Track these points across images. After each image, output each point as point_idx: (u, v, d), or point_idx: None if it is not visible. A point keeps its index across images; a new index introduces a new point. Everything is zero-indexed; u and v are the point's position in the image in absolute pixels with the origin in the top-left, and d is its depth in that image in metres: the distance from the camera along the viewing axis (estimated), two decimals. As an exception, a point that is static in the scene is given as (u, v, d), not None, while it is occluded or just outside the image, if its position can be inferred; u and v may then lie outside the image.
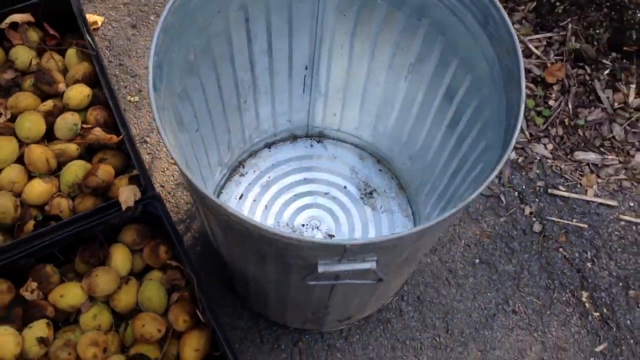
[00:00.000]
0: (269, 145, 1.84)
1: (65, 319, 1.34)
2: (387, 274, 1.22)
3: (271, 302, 1.50)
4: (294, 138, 1.85)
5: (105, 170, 1.36)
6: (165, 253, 1.35)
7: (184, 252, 1.32)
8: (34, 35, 1.52)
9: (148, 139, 1.88)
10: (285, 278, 1.24)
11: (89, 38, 1.48)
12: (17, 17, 1.48)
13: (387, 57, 1.50)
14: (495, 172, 1.02)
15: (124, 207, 1.30)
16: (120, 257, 1.33)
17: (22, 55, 1.48)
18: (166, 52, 1.13)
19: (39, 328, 1.25)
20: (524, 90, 1.07)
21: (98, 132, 1.39)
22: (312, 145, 1.86)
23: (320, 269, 1.08)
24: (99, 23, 2.01)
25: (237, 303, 1.72)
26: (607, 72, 1.92)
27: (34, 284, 1.29)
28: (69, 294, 1.29)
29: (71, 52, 1.50)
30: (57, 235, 1.29)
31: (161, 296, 1.33)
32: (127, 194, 1.30)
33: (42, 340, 1.24)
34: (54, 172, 1.39)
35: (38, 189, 1.35)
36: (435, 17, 1.29)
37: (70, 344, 1.26)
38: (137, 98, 1.93)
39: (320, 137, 1.86)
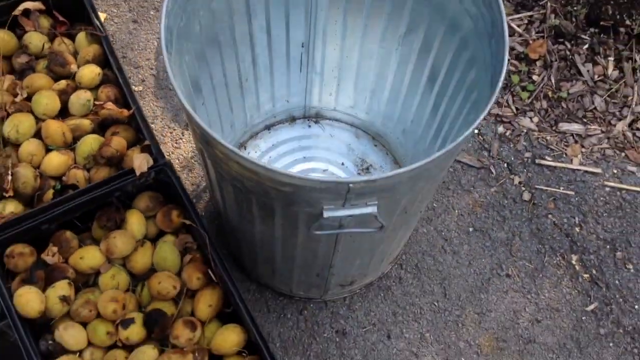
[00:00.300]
0: (268, 127, 1.93)
1: (84, 282, 1.41)
2: (388, 223, 1.30)
3: (278, 266, 1.58)
4: (292, 119, 1.94)
5: (118, 142, 1.44)
6: (178, 217, 1.43)
7: (195, 214, 1.40)
8: (45, 22, 1.61)
9: (153, 126, 1.96)
10: (291, 232, 1.32)
11: (97, 22, 1.57)
12: (29, 5, 1.57)
13: (379, 30, 1.60)
14: (485, 112, 1.11)
15: (137, 173, 1.38)
16: (135, 221, 1.41)
17: (35, 40, 1.57)
18: (174, 19, 1.22)
19: (61, 287, 1.32)
20: (507, 38, 1.16)
21: (110, 107, 1.48)
22: (309, 126, 1.95)
23: (326, 214, 1.16)
24: (102, 19, 2.10)
25: (244, 277, 1.80)
26: (586, 46, 2.03)
27: (55, 249, 1.37)
28: (89, 256, 1.37)
29: (81, 36, 1.59)
30: (75, 202, 1.37)
31: (175, 257, 1.41)
32: (140, 160, 1.39)
33: (64, 299, 1.31)
34: (70, 146, 1.47)
35: (56, 160, 1.43)
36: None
37: (91, 302, 1.34)
38: (140, 88, 2.02)
39: (317, 117, 1.95)
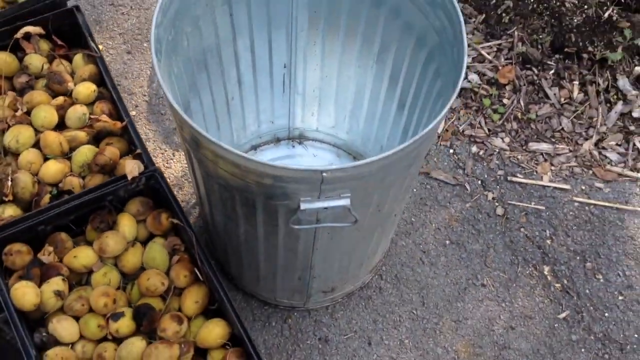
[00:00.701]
0: (254, 147, 2.04)
1: (78, 281, 1.49)
2: (362, 219, 1.39)
3: (262, 270, 1.66)
4: (277, 140, 2.05)
5: (111, 151, 1.54)
6: (167, 219, 1.52)
7: (183, 217, 1.49)
8: (44, 46, 1.73)
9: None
10: (272, 229, 1.41)
11: (92, 44, 1.70)
12: (30, 29, 1.69)
13: (355, 50, 1.72)
14: (448, 106, 1.22)
15: (129, 177, 1.48)
16: (127, 224, 1.50)
17: (35, 61, 1.69)
18: (164, 32, 1.34)
19: (56, 283, 1.40)
20: (465, 46, 1.28)
21: (105, 119, 1.58)
22: (293, 146, 2.06)
23: (303, 206, 1.26)
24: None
25: (231, 286, 1.88)
26: (552, 71, 2.17)
27: (50, 248, 1.46)
28: (82, 255, 1.46)
29: (78, 57, 1.71)
30: (70, 205, 1.46)
31: (163, 256, 1.49)
32: (132, 166, 1.49)
33: (58, 293, 1.39)
34: (66, 155, 1.57)
35: (53, 168, 1.53)
36: (391, 3, 1.52)
37: (83, 297, 1.42)
38: (134, 113, 2.13)
39: (300, 138, 2.06)
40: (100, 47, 2.25)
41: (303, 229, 1.37)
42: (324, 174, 1.18)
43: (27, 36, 1.71)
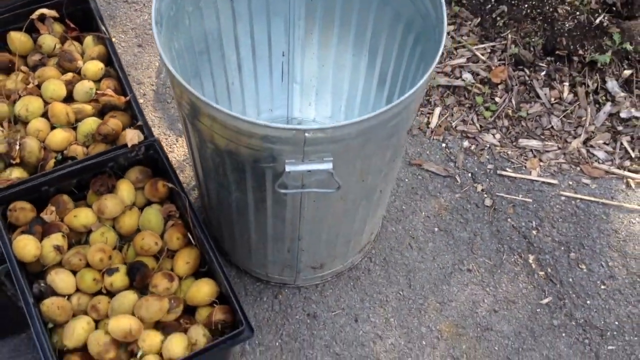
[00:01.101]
0: (253, 135, 2.13)
1: (77, 241, 1.58)
2: (345, 186, 1.47)
3: (253, 243, 1.74)
4: (275, 129, 2.15)
5: (114, 122, 1.64)
6: (163, 186, 1.61)
7: (179, 184, 1.59)
8: (58, 28, 1.85)
9: (149, 133, 2.17)
10: (261, 195, 1.50)
11: (102, 27, 1.81)
12: (44, 11, 1.81)
13: (350, 40, 1.82)
14: (430, 70, 1.31)
15: (129, 145, 1.58)
16: (125, 189, 1.59)
17: (48, 41, 1.80)
18: (165, 7, 1.45)
19: (56, 238, 1.50)
20: (445, 25, 1.38)
21: (110, 94, 1.69)
22: (291, 136, 2.15)
23: (288, 168, 1.35)
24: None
25: (225, 262, 1.96)
26: (543, 73, 2.25)
27: (53, 208, 1.55)
28: (82, 215, 1.55)
29: (88, 39, 1.82)
30: (73, 169, 1.56)
31: (159, 220, 1.58)
32: (132, 134, 1.59)
33: (57, 248, 1.49)
34: (72, 125, 1.68)
35: (59, 136, 1.63)
36: (381, -10, 1.62)
37: (81, 253, 1.51)
38: (141, 100, 2.24)
39: (298, 127, 2.15)
40: (113, 39, 2.37)
41: (289, 193, 1.46)
42: (307, 134, 1.27)
43: (42, 18, 1.83)
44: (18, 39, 1.78)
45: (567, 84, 2.24)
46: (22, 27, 1.81)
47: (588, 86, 2.23)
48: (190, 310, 1.54)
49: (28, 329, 1.84)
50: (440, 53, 1.35)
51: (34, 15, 1.81)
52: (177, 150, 2.16)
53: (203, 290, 1.50)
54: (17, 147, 1.59)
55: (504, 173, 2.16)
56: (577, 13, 2.29)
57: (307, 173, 1.38)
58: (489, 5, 2.36)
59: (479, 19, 2.35)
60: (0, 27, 1.79)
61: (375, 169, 1.52)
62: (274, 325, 1.88)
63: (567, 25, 2.23)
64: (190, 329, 1.49)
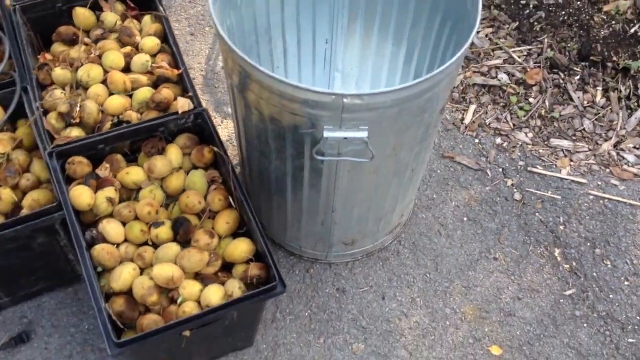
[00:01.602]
0: (294, 120, 2.24)
1: (128, 198, 1.70)
2: (379, 159, 1.56)
3: (289, 215, 1.84)
4: (315, 116, 2.25)
5: (167, 92, 1.77)
6: (209, 152, 1.72)
7: (224, 152, 1.70)
8: (119, 6, 1.99)
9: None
10: (299, 163, 1.60)
11: (160, 6, 1.95)
12: (110, -13, 1.96)
13: (390, 29, 1.92)
14: (462, 50, 1.40)
15: (180, 111, 1.70)
16: (174, 152, 1.71)
17: (110, 17, 1.94)
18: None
19: (109, 191, 1.62)
20: (479, 8, 1.47)
21: (164, 66, 1.82)
22: (330, 123, 2.25)
23: (326, 134, 1.45)
24: (164, 31, 2.49)
25: (260, 238, 2.06)
26: (577, 77, 2.32)
27: (107, 165, 1.68)
28: (133, 172, 1.67)
29: (147, 17, 1.96)
30: (128, 130, 1.69)
31: (203, 182, 1.70)
32: (183, 102, 1.71)
33: (109, 199, 1.61)
34: (128, 93, 1.81)
35: (116, 102, 1.76)
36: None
37: (131, 206, 1.62)
38: (190, 84, 2.38)
39: (337, 116, 2.26)
40: (167, 28, 2.51)
41: (326, 161, 1.56)
42: (345, 100, 1.37)
43: (106, -3, 1.98)
44: (82, 14, 1.93)
45: (600, 88, 2.31)
46: (87, 4, 1.96)
47: (620, 91, 2.30)
48: (227, 268, 1.64)
49: (75, 283, 1.96)
50: (473, 34, 1.45)
51: (99, -7, 1.95)
52: (221, 132, 2.27)
53: (240, 247, 1.60)
54: (78, 108, 1.72)
55: (534, 170, 2.23)
56: (613, 22, 2.36)
57: (343, 141, 1.47)
58: (527, 11, 2.45)
59: (517, 23, 2.44)
60: (68, 3, 1.94)
61: (408, 144, 1.61)
62: (305, 296, 1.97)
63: (602, 32, 2.31)
64: (227, 282, 1.59)
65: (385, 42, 1.99)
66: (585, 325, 1.95)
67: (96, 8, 1.98)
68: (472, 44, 2.47)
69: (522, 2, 2.48)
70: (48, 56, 1.87)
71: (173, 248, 1.57)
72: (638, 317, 1.96)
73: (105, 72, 1.82)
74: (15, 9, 1.87)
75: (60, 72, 1.79)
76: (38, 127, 1.70)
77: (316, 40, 2.02)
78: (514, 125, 2.30)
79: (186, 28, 2.55)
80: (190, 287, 1.54)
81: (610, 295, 2.00)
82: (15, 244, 1.66)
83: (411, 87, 1.38)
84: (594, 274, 2.05)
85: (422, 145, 1.70)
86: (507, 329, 1.94)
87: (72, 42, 1.91)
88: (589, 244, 2.10)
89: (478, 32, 2.48)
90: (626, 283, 2.03)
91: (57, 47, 1.90)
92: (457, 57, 1.43)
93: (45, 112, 1.74)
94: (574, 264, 2.06)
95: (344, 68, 2.12)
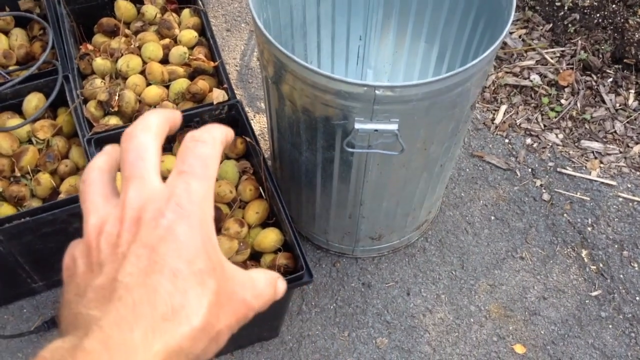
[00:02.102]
0: (326, 116, 2.27)
1: (161, 185, 1.75)
2: (409, 153, 1.59)
3: (317, 209, 1.87)
4: (347, 112, 2.29)
5: (203, 83, 1.81)
6: (241, 143, 1.76)
7: (257, 143, 1.74)
8: (159, 0, 2.04)
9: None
10: (330, 155, 1.63)
11: (199, 0, 1.99)
12: (150, -17, 2.01)
13: (424, 27, 1.95)
14: (498, 41, 1.42)
15: (215, 102, 1.74)
16: (207, 142, 1.76)
17: (150, 10, 2.00)
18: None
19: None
20: (514, 3, 1.49)
21: (201, 58, 1.86)
22: (361, 120, 2.28)
23: (357, 126, 1.48)
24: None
25: (289, 230, 2.09)
26: (610, 79, 2.32)
27: (142, 153, 1.73)
28: (168, 161, 1.71)
29: (186, 11, 2.01)
30: (164, 120, 1.74)
31: (234, 172, 1.74)
32: (218, 93, 1.75)
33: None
34: (166, 84, 1.86)
35: (153, 92, 1.81)
36: (457, -22, 1.75)
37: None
38: (224, 78, 2.42)
39: (368, 113, 2.28)
40: (204, 23, 2.57)
41: (356, 153, 1.59)
42: (377, 91, 1.39)
43: (146, -10, 2.03)
44: (124, 6, 1.98)
45: (632, 91, 2.30)
46: (128, -3, 2.02)
47: (654, 95, 2.29)
48: (256, 257, 1.68)
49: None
50: (507, 29, 1.46)
51: (140, -13, 2.01)
52: (253, 126, 2.32)
53: (270, 236, 1.64)
54: (117, 97, 1.77)
55: (563, 171, 2.23)
56: (649, 25, 2.36)
57: (374, 133, 1.50)
58: (562, 13, 2.45)
59: (551, 25, 2.45)
60: (109, -5, 2.01)
61: (438, 139, 1.63)
62: (330, 290, 2.00)
63: (637, 35, 2.30)
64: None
65: (419, 40, 2.01)
66: (610, 326, 1.95)
67: (137, 1, 2.03)
68: (506, 44, 2.47)
69: (557, 3, 2.48)
70: (89, 47, 1.93)
71: (204, 235, 1.61)
72: (665, 321, 1.96)
73: (144, 63, 1.88)
74: (59, 0, 1.94)
75: (100, 62, 1.84)
76: (78, 114, 1.76)
77: (350, 36, 2.05)
78: (544, 126, 2.30)
79: (223, 24, 2.60)
80: (220, 273, 1.58)
81: (637, 298, 2.00)
82: (52, 228, 1.71)
83: (443, 80, 1.40)
84: (621, 276, 2.05)
85: (452, 141, 1.71)
86: (532, 328, 1.94)
87: (113, 33, 1.96)
88: (616, 246, 2.10)
89: (511, 32, 2.49)
90: (654, 287, 2.02)
91: (99, 38, 1.96)
92: (490, 52, 1.44)
93: (85, 101, 1.80)
94: (601, 265, 2.06)
95: (377, 65, 2.15)
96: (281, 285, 0.49)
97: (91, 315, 0.40)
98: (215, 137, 0.49)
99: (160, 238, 0.42)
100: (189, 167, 0.46)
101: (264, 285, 0.47)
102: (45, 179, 1.71)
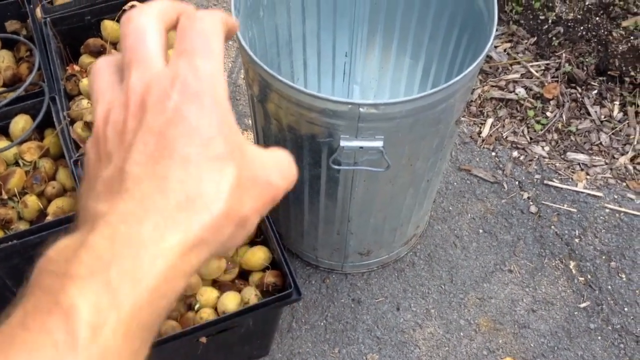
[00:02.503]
0: (313, 132, 2.28)
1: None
2: (395, 169, 1.60)
3: (305, 225, 1.88)
4: (334, 128, 2.30)
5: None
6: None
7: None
8: (145, 20, 2.05)
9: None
10: (316, 172, 1.64)
11: (185, 20, 2.00)
12: (136, 3, 2.02)
13: (409, 42, 1.96)
14: (479, 59, 1.43)
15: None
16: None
17: (136, 30, 2.01)
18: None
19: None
20: (495, 18, 1.50)
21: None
22: (348, 135, 2.29)
23: (342, 143, 1.49)
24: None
25: (278, 247, 2.10)
26: (595, 92, 2.34)
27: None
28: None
29: (172, 32, 2.02)
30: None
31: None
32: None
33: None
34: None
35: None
36: (440, -6, 1.76)
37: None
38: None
39: (355, 128, 2.30)
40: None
41: (342, 170, 1.60)
42: (361, 109, 1.40)
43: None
44: (110, 26, 1.99)
45: (617, 103, 2.32)
46: (115, 16, 2.02)
47: (638, 106, 2.31)
48: (245, 276, 1.68)
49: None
50: (488, 46, 1.48)
51: (127, 6, 2.01)
52: (242, 142, 2.33)
53: (257, 254, 1.64)
54: (103, 118, 1.78)
55: (550, 183, 2.24)
56: (632, 37, 2.38)
57: (359, 150, 1.51)
58: (546, 26, 2.47)
59: (535, 38, 2.47)
60: (97, 16, 2.00)
61: (423, 155, 1.64)
62: (320, 307, 2.00)
63: (620, 48, 2.32)
64: (243, 289, 1.63)
65: (404, 56, 2.02)
66: (599, 338, 1.96)
67: (122, 21, 2.04)
68: (491, 58, 2.49)
69: (541, 17, 2.51)
70: (76, 67, 1.94)
71: (192, 254, 1.62)
72: (653, 332, 1.97)
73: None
74: (45, 22, 1.94)
75: (87, 83, 1.85)
76: (65, 136, 1.76)
77: (336, 53, 2.07)
78: (530, 139, 2.32)
79: (209, 41, 2.61)
80: (208, 294, 1.58)
81: (625, 309, 2.01)
82: (40, 250, 1.71)
83: (426, 97, 1.41)
84: (609, 287, 2.06)
85: (438, 156, 1.73)
86: (522, 341, 1.95)
87: (99, 53, 1.97)
88: (604, 257, 2.11)
89: (496, 46, 2.51)
90: (642, 297, 2.03)
91: (85, 59, 1.97)
92: (472, 68, 1.46)
93: (72, 122, 1.80)
94: (589, 276, 2.07)
95: (363, 81, 2.16)
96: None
97: (98, 209, 0.38)
98: (213, 14, 0.44)
99: (167, 122, 0.39)
100: (189, 44, 0.42)
101: (288, 164, 0.44)
102: (32, 201, 1.71)
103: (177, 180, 0.37)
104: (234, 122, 0.41)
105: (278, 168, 0.43)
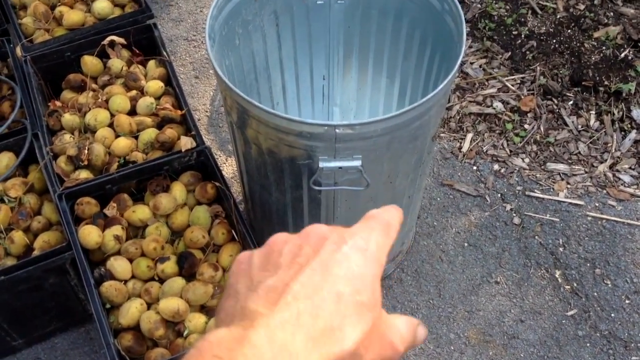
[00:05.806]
0: (296, 155, 2.31)
1: (135, 235, 1.77)
2: (375, 185, 1.62)
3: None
4: (317, 150, 2.33)
5: (171, 132, 1.85)
6: (212, 188, 1.79)
7: (227, 187, 1.76)
8: (125, 53, 2.08)
9: (202, 153, 2.38)
10: (298, 194, 1.67)
11: (164, 52, 2.04)
12: (114, 38, 2.05)
13: (384, 63, 2.00)
14: (450, 76, 1.47)
15: (183, 149, 1.77)
16: (178, 189, 1.78)
17: (116, 64, 2.03)
18: (218, 26, 1.66)
19: (116, 229, 1.68)
20: (464, 36, 1.54)
21: (168, 107, 1.90)
22: (331, 157, 2.32)
23: (321, 164, 1.51)
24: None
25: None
26: (570, 102, 2.38)
27: (114, 205, 1.75)
28: (139, 211, 1.74)
29: (151, 62, 2.05)
30: (133, 170, 1.76)
31: (206, 217, 1.76)
32: (186, 140, 1.78)
33: (117, 237, 1.67)
34: (134, 135, 1.89)
35: (122, 143, 1.84)
36: (411, 15, 1.80)
37: (137, 243, 1.69)
38: (195, 125, 2.46)
39: (337, 149, 2.33)
40: (172, 71, 2.61)
41: (323, 190, 1.62)
42: (337, 130, 1.43)
43: (112, 44, 2.07)
44: (90, 61, 2.02)
45: (593, 112, 2.37)
46: (94, 52, 2.05)
47: (614, 114, 2.35)
48: (232, 299, 1.69)
49: (87, 323, 2.02)
50: (457, 65, 1.51)
51: (105, 42, 2.05)
52: (225, 169, 2.35)
53: (244, 278, 1.66)
54: (86, 151, 1.80)
55: (532, 194, 2.28)
56: (604, 48, 2.43)
57: (338, 170, 1.54)
58: (519, 41, 2.52)
59: (510, 53, 2.51)
60: (76, 52, 2.04)
61: (402, 171, 1.67)
62: (311, 326, 2.01)
63: (593, 58, 2.37)
64: (231, 313, 1.64)
65: (380, 76, 2.06)
66: (588, 344, 1.98)
67: (103, 56, 2.07)
68: (467, 74, 2.54)
69: (514, 32, 2.56)
70: (58, 103, 1.96)
71: (178, 282, 1.63)
72: (641, 335, 1.99)
73: (112, 115, 1.91)
74: (26, 59, 1.97)
75: (69, 118, 1.88)
76: (48, 170, 1.78)
77: (314, 76, 2.10)
78: (510, 151, 2.35)
79: (191, 72, 2.64)
80: (196, 320, 1.59)
81: (612, 315, 2.03)
82: (27, 285, 1.72)
83: (401, 115, 1.44)
84: (595, 293, 2.08)
85: (417, 172, 1.75)
86: (512, 352, 1.97)
87: (80, 88, 2.00)
88: (588, 264, 2.14)
89: (472, 63, 2.55)
90: (627, 302, 2.05)
91: (67, 94, 2.00)
92: (444, 85, 1.49)
93: (55, 157, 1.83)
94: (575, 284, 2.10)
95: (342, 102, 2.19)
96: (421, 331, 0.52)
97: (258, 311, 0.43)
98: (398, 210, 0.56)
99: (337, 261, 0.46)
100: (373, 223, 0.52)
101: (406, 330, 0.50)
102: (18, 236, 1.73)
103: (328, 311, 0.44)
104: (379, 284, 0.48)
105: (400, 333, 0.49)
